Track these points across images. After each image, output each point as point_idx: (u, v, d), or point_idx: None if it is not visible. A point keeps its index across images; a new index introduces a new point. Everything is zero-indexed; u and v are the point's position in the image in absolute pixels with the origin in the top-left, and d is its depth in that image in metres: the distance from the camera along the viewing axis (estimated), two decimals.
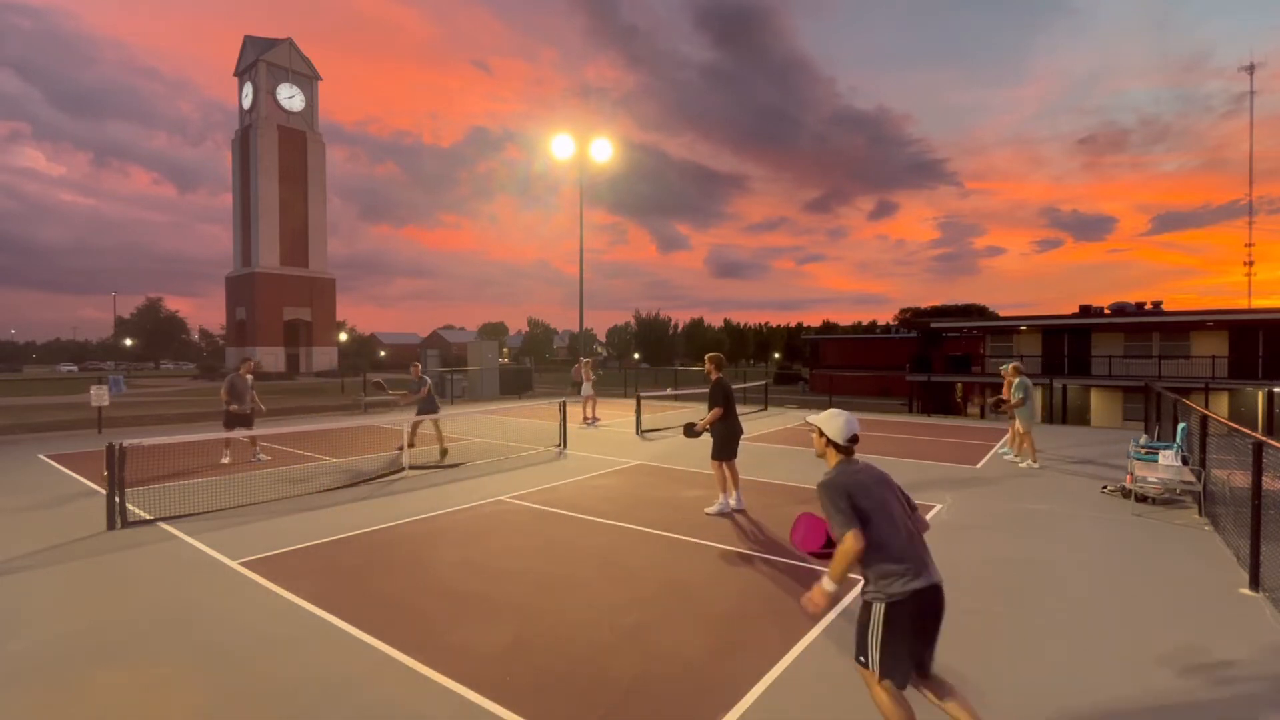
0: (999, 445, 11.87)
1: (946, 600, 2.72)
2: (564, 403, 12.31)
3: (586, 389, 15.95)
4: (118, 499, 6.58)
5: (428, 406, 11.22)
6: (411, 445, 10.39)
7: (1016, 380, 9.96)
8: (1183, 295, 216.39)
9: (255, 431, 9.84)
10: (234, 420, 10.05)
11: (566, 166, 24.74)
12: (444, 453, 10.61)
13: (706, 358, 7.39)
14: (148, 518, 6.85)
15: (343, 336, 76.31)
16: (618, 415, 16.86)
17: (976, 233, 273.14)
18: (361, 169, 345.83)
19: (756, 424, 15.45)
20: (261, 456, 10.55)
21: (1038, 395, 30.60)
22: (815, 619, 4.28)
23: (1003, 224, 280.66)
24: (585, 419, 15.40)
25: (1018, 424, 9.97)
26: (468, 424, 15.20)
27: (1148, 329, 29.43)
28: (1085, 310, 34.97)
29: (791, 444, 12.29)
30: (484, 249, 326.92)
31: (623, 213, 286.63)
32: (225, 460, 10.18)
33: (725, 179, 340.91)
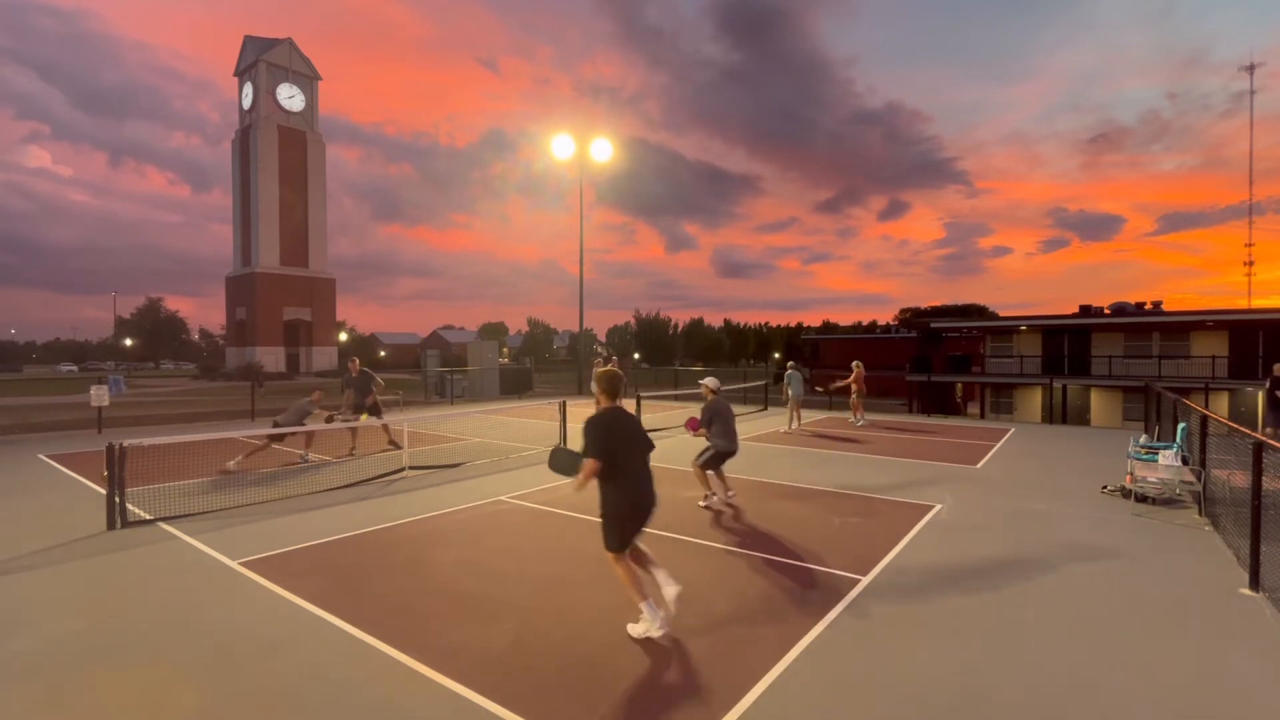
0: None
1: (946, 601, 2.75)
2: (564, 402, 12.30)
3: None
4: (118, 499, 6.57)
5: (372, 408, 11.28)
6: (395, 444, 10.66)
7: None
8: (1183, 295, 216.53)
9: (256, 431, 9.90)
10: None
11: (576, 166, 24.78)
12: (352, 450, 11.05)
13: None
14: (148, 518, 6.85)
15: (343, 336, 76.26)
16: None
17: (982, 232, 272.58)
18: (376, 169, 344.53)
19: (756, 424, 15.46)
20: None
21: (1037, 395, 30.65)
22: (815, 618, 4.29)
23: (1009, 224, 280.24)
24: None
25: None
26: (468, 424, 15.20)
27: (1148, 329, 29.43)
28: (1085, 310, 34.98)
29: (790, 444, 12.30)
30: (491, 249, 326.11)
31: (633, 213, 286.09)
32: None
33: (737, 179, 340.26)
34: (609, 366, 4.47)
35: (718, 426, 7.38)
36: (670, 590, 4.12)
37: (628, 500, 4.11)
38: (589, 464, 4.01)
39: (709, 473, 7.48)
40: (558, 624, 4.26)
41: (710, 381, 7.78)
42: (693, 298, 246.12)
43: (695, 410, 7.95)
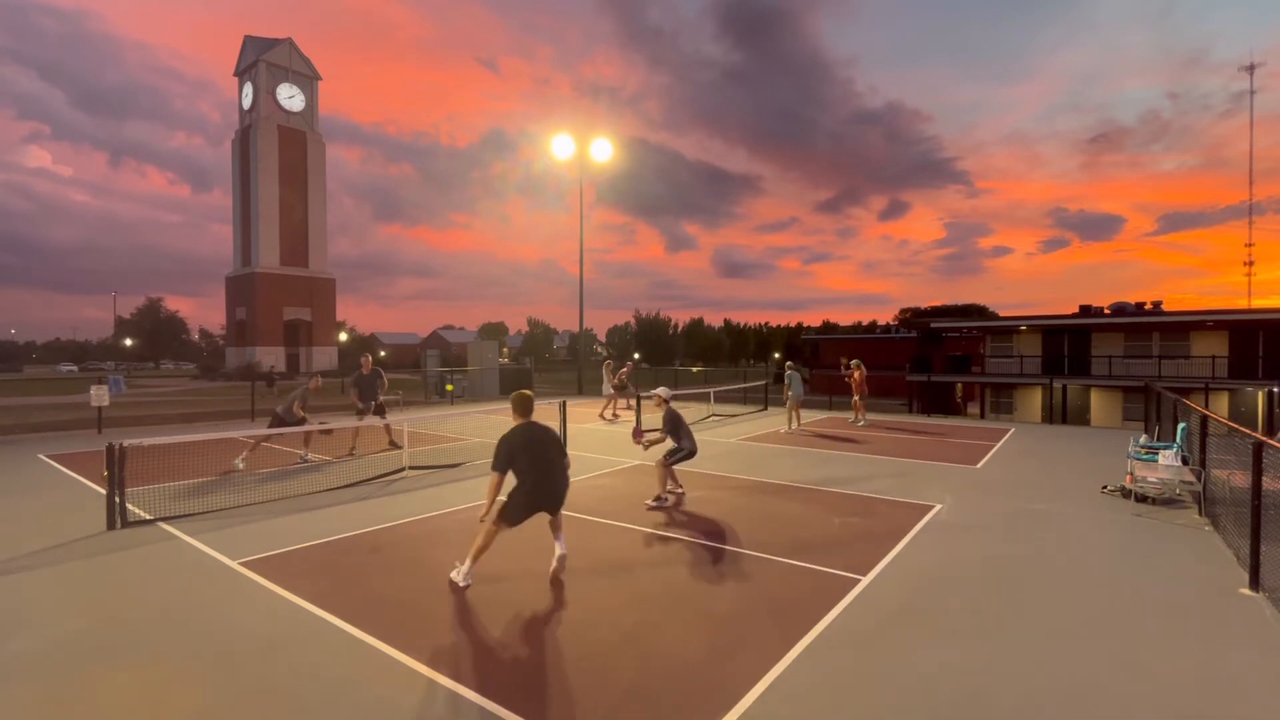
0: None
1: (946, 601, 2.75)
2: (564, 402, 12.30)
3: (607, 389, 17.30)
4: (118, 499, 6.57)
5: (378, 407, 11.25)
6: (395, 444, 10.57)
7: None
8: (1183, 295, 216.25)
9: (262, 432, 9.93)
10: None
11: (576, 166, 24.78)
12: (351, 450, 10.95)
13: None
14: (148, 518, 6.84)
15: (343, 336, 76.30)
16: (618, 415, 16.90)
17: (982, 232, 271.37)
18: (376, 169, 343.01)
19: (756, 424, 15.45)
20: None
21: (1037, 395, 30.65)
22: (815, 618, 4.29)
23: (1009, 224, 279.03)
24: (604, 416, 16.33)
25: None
26: (468, 424, 15.19)
27: (1148, 329, 29.43)
28: (1085, 310, 34.98)
29: (790, 444, 12.30)
30: (491, 249, 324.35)
31: (633, 213, 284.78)
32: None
33: (737, 179, 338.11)
34: (617, 366, 4.90)
35: (682, 431, 7.67)
36: (558, 551, 5.12)
37: (528, 499, 4.99)
38: (492, 477, 4.84)
39: (664, 471, 7.73)
40: (558, 624, 4.26)
41: (662, 390, 8.05)
42: (693, 298, 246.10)
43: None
